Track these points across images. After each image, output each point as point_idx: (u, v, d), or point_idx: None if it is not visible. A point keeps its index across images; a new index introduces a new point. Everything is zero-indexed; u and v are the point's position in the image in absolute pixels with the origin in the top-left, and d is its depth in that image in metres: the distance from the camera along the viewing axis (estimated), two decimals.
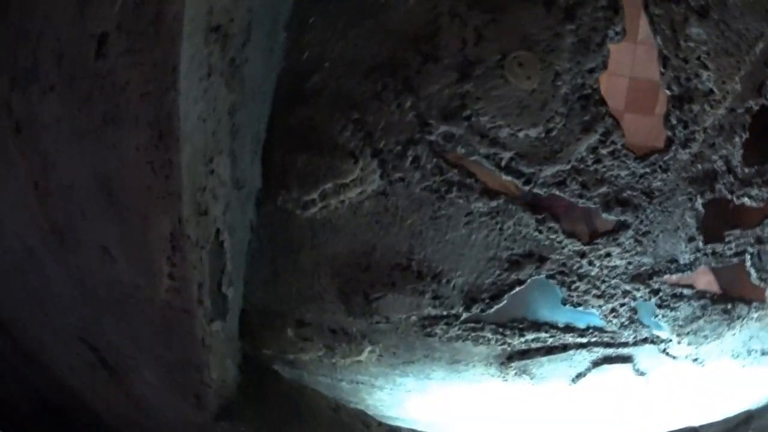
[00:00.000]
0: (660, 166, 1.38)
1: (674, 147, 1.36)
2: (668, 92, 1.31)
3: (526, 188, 1.35)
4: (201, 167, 1.17)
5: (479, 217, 1.38)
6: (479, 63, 1.23)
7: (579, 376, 1.70)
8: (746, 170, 1.43)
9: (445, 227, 1.39)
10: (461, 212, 1.37)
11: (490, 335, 1.55)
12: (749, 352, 1.77)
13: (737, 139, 1.39)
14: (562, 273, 1.46)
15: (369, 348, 1.53)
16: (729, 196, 1.45)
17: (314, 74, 1.25)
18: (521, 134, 1.28)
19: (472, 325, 1.53)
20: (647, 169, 1.37)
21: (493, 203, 1.36)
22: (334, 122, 1.28)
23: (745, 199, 1.45)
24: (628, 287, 1.53)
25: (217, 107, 1.16)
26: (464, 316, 1.50)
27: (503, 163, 1.32)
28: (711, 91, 1.32)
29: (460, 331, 1.53)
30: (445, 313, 1.49)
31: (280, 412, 1.46)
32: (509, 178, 1.34)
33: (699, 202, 1.44)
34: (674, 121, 1.33)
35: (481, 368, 1.64)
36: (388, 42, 1.24)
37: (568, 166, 1.33)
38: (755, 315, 1.68)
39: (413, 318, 1.50)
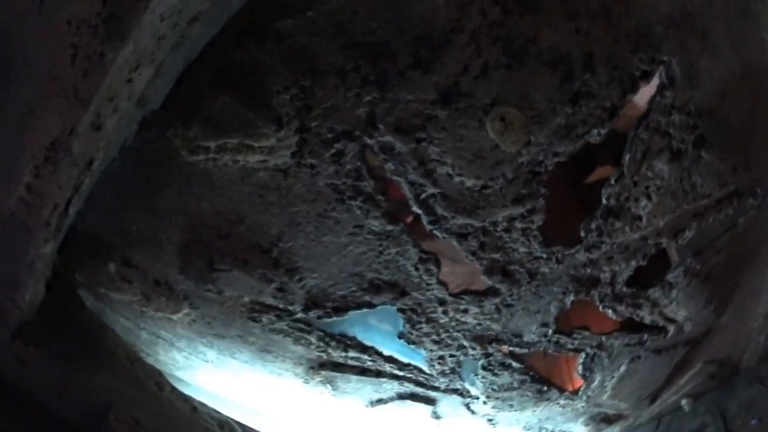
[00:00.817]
0: (557, 257, 2.07)
1: (579, 247, 2.07)
2: (604, 201, 1.98)
3: (429, 227, 1.91)
4: (125, 74, 1.40)
5: (367, 233, 1.92)
6: (466, 97, 1.67)
7: (379, 401, 2.57)
8: (624, 289, 2.25)
9: (327, 229, 1.89)
10: (352, 222, 1.89)
11: (314, 340, 2.24)
12: (540, 429, 2.85)
13: (634, 262, 2.17)
14: (414, 311, 2.17)
15: (186, 311, 2.08)
16: (597, 303, 2.28)
17: (290, 17, 1.57)
18: (458, 179, 1.81)
19: (302, 326, 2.18)
20: (544, 255, 2.05)
21: (390, 227, 1.91)
22: (279, 78, 1.63)
23: (609, 311, 2.32)
24: (466, 343, 2.32)
25: (184, 11, 1.39)
26: (299, 316, 2.12)
27: (422, 197, 1.85)
28: (639, 218, 2.03)
29: (286, 327, 2.16)
30: (281, 306, 2.09)
31: (76, 348, 1.93)
32: (419, 211, 1.88)
33: (570, 298, 2.23)
34: (592, 227, 2.02)
35: (289, 365, 2.34)
36: (393, 26, 1.58)
37: (479, 224, 1.92)
38: (562, 402, 2.69)
39: (246, 299, 2.06)
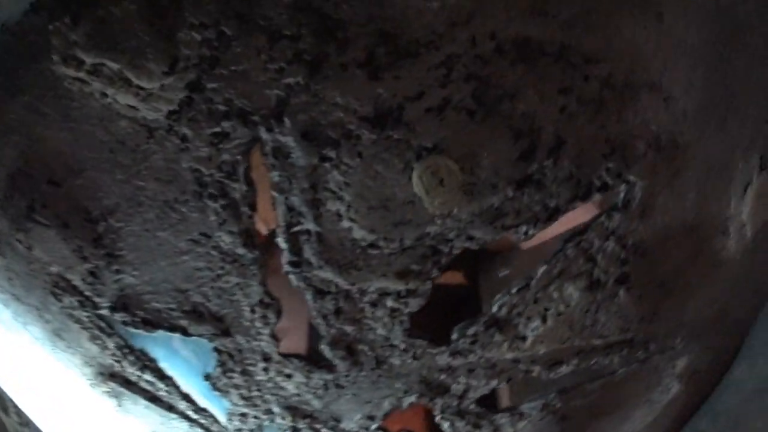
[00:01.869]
0: (415, 353, 1.75)
1: (444, 349, 1.76)
2: (494, 309, 1.71)
3: (287, 268, 1.54)
4: None
5: (212, 248, 1.52)
6: (406, 128, 1.31)
7: None
8: (472, 407, 1.96)
9: (168, 223, 1.48)
10: (200, 227, 1.49)
11: (111, 346, 1.82)
12: None
13: (495, 382, 1.89)
14: (231, 356, 1.78)
15: None
16: (436, 412, 1.98)
17: None
18: (346, 224, 1.45)
19: (102, 324, 1.77)
20: (403, 346, 1.74)
21: (240, 251, 1.51)
22: (201, 10, 1.23)
23: (445, 423, 2.02)
24: (276, 410, 1.95)
25: None
26: (103, 312, 1.71)
27: (295, 229, 1.48)
28: (524, 338, 1.75)
29: (86, 319, 1.76)
30: (87, 294, 1.68)
31: None
32: (284, 245, 1.50)
33: (409, 400, 1.92)
34: (468, 332, 1.73)
35: (78, 361, 1.93)
36: (363, 5, 1.21)
37: (346, 286, 1.57)
38: None
39: (54, 269, 1.65)
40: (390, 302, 1.64)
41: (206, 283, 1.61)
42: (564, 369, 1.90)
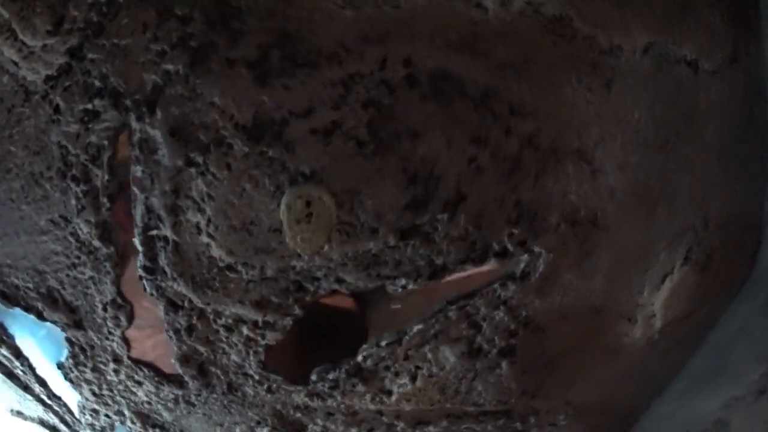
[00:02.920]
0: (270, 387, 1.58)
1: (301, 389, 1.59)
2: (359, 358, 1.51)
3: (141, 273, 1.33)
4: None
5: (69, 233, 1.33)
6: (284, 147, 1.10)
7: (20, 414, 2.07)
8: None
9: (32, 198, 1.30)
10: (60, 209, 1.30)
11: None
12: None
13: (355, 430, 1.69)
14: (83, 351, 1.60)
15: None
16: None
17: None
18: (205, 240, 1.23)
19: None
20: (256, 377, 1.55)
21: (96, 244, 1.32)
22: None
23: None
24: (127, 413, 1.80)
25: None
26: None
27: (151, 233, 1.28)
28: (389, 393, 1.57)
29: None
30: None
31: None
32: (139, 247, 1.30)
33: (262, 430, 1.74)
34: (329, 377, 1.55)
35: None
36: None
37: (198, 304, 1.37)
38: None
39: None
40: (246, 330, 1.39)
41: (62, 269, 1.41)
42: (431, 429, 1.68)
